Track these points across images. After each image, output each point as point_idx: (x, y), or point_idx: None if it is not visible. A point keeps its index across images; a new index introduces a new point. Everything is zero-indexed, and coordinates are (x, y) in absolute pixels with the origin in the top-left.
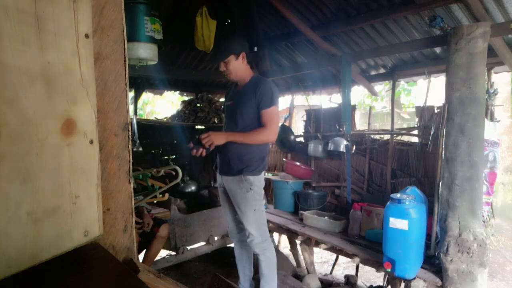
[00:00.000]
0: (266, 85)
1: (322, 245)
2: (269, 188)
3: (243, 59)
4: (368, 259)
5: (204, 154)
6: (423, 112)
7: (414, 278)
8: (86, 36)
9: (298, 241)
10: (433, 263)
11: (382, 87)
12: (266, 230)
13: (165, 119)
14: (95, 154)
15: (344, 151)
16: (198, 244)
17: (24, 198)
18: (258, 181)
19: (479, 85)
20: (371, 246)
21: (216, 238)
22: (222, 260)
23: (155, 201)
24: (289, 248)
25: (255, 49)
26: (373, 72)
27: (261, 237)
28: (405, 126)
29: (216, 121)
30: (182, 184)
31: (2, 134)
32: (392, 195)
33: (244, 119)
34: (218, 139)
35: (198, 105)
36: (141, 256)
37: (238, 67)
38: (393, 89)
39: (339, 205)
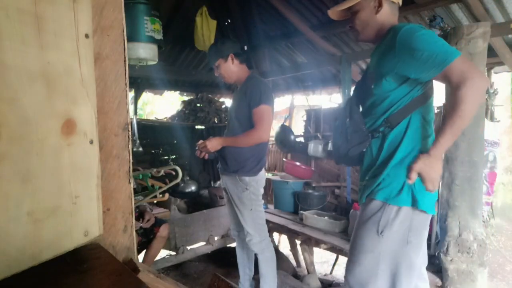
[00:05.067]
0: (255, 83)
1: (322, 245)
2: (269, 188)
3: (232, 60)
4: None
5: (206, 157)
6: None
7: None
8: (86, 36)
9: (298, 241)
10: (433, 263)
11: None
12: (264, 230)
13: (165, 119)
14: (95, 154)
15: None
16: (198, 244)
17: (24, 198)
18: (255, 181)
19: None
20: None
21: (216, 238)
22: (222, 260)
23: (155, 201)
24: (289, 248)
25: (245, 47)
26: None
27: (259, 236)
28: None
29: (216, 121)
30: (182, 184)
31: (2, 134)
32: None
33: (239, 119)
34: (214, 146)
35: (198, 105)
36: (141, 256)
37: (229, 69)
38: None
39: (339, 205)
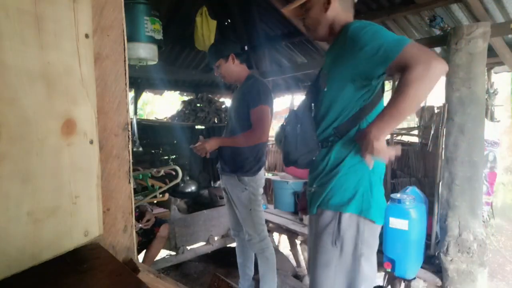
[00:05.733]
0: (254, 83)
1: None
2: (269, 188)
3: (233, 60)
4: None
5: (208, 156)
6: (423, 112)
7: (414, 278)
8: (86, 36)
9: (298, 241)
10: (433, 263)
11: None
12: (263, 230)
13: (165, 119)
14: (95, 154)
15: None
16: (198, 244)
17: (24, 198)
18: (254, 182)
19: (479, 85)
20: None
21: (216, 238)
22: (222, 260)
23: (155, 201)
24: (289, 248)
25: (246, 47)
26: None
27: (259, 236)
28: (405, 126)
29: (216, 121)
30: (182, 184)
31: (2, 134)
32: (392, 195)
33: (238, 120)
34: (211, 146)
35: (198, 105)
36: (141, 256)
37: (230, 70)
38: (393, 89)
39: None
